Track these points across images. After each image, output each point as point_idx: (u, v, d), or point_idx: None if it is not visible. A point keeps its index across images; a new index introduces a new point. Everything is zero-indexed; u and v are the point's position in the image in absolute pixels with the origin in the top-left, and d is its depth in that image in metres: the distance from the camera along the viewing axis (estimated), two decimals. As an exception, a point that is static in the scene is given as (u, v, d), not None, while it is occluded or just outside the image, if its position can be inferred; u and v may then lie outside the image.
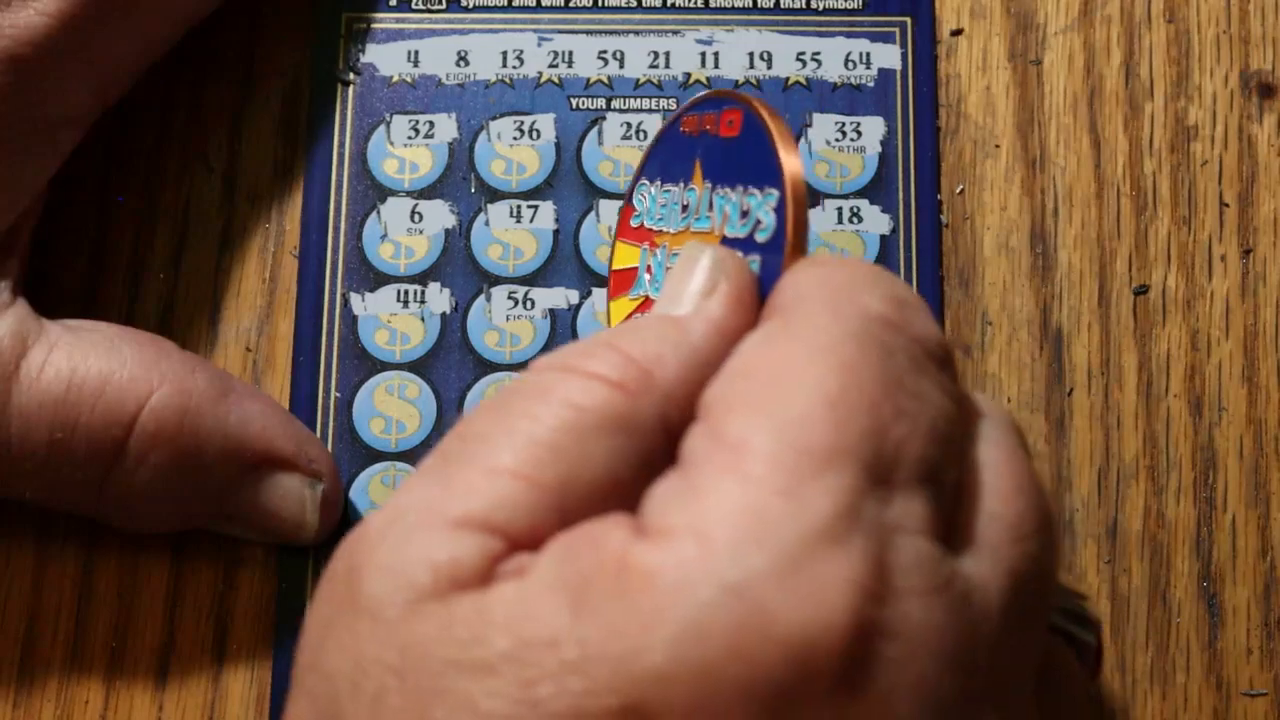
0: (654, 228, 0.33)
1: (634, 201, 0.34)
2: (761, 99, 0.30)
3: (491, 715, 0.23)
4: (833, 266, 0.28)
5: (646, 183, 0.34)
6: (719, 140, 0.31)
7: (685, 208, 0.32)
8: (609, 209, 0.40)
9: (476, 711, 0.23)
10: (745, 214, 0.29)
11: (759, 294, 0.29)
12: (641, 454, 0.27)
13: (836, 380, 0.25)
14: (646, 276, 0.33)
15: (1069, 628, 0.33)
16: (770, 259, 0.29)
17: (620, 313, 0.33)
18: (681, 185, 0.32)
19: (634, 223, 0.34)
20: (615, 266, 0.34)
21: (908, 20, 0.41)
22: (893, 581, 0.24)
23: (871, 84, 0.41)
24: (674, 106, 0.40)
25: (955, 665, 0.25)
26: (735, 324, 0.28)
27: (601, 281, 0.39)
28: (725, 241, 0.30)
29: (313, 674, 0.26)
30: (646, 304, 0.33)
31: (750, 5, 0.41)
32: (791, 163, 0.28)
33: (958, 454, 0.27)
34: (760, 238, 0.29)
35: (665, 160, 0.33)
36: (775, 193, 0.28)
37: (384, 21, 0.41)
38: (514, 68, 0.41)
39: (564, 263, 0.40)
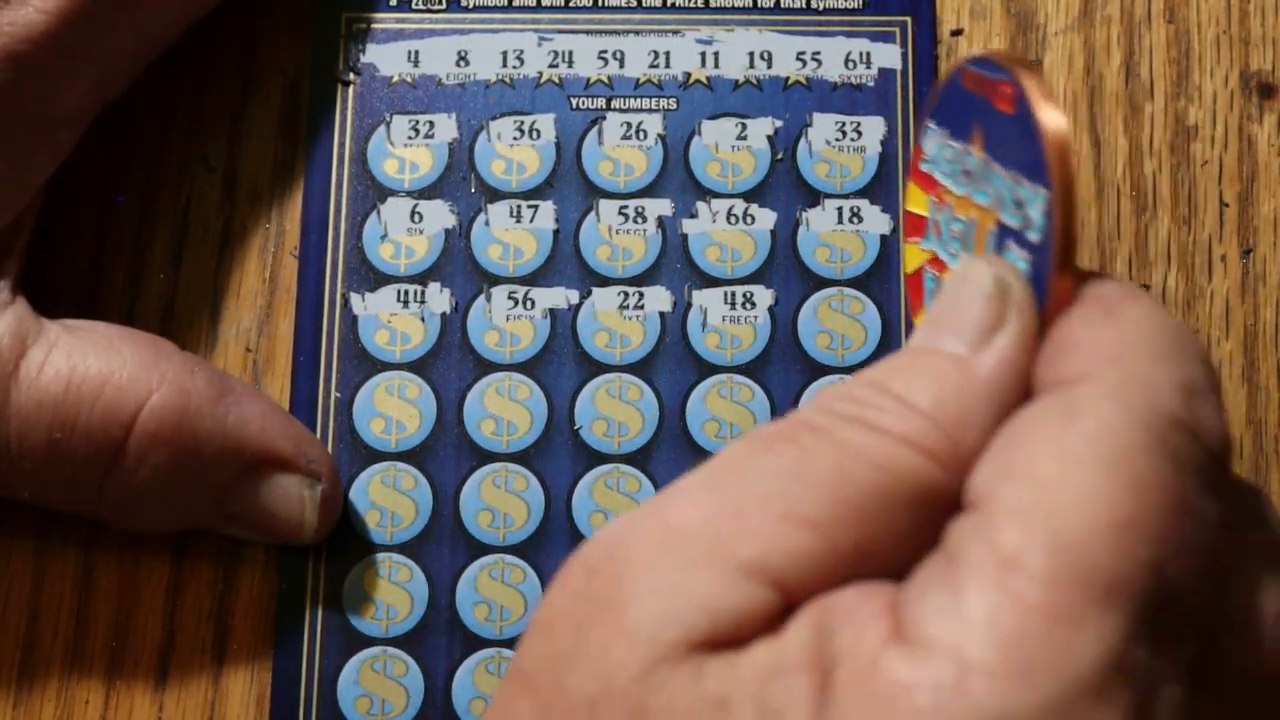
0: (941, 181, 0.31)
1: (923, 143, 0.32)
2: (1036, 81, 0.27)
3: None
4: (1123, 328, 0.26)
5: (934, 128, 0.32)
6: (996, 112, 0.29)
7: (967, 173, 0.30)
8: (609, 208, 0.40)
9: None
10: (1019, 204, 0.28)
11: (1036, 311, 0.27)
12: (939, 530, 0.25)
13: (1125, 501, 0.23)
14: (935, 232, 0.31)
15: None
16: (1039, 265, 0.27)
17: (914, 259, 0.32)
18: (962, 145, 0.30)
19: (924, 167, 0.32)
20: (909, 206, 0.33)
21: (908, 20, 0.41)
22: None
23: (872, 84, 0.41)
24: (674, 106, 0.40)
25: None
26: (1025, 368, 0.26)
27: (601, 280, 0.39)
28: (1001, 228, 0.28)
29: (551, 678, 0.24)
30: (936, 263, 0.31)
31: (750, 5, 0.41)
32: (1062, 171, 0.26)
33: (1226, 588, 0.25)
34: (1031, 237, 0.27)
35: (950, 110, 0.31)
36: (1044, 193, 0.27)
37: (384, 21, 0.41)
38: (514, 68, 0.41)
39: (564, 262, 0.40)
